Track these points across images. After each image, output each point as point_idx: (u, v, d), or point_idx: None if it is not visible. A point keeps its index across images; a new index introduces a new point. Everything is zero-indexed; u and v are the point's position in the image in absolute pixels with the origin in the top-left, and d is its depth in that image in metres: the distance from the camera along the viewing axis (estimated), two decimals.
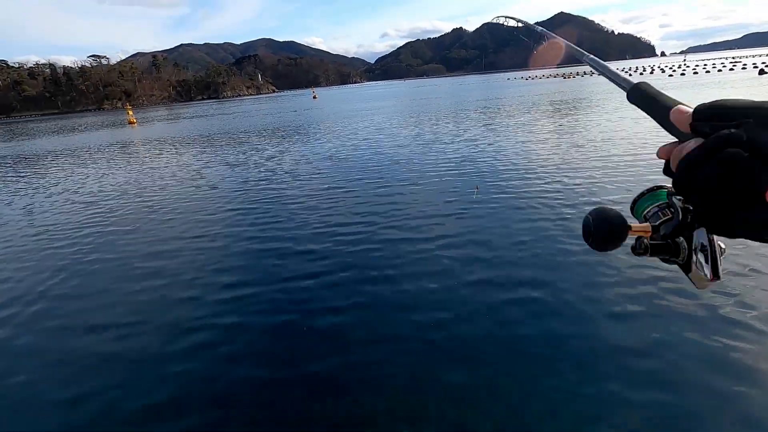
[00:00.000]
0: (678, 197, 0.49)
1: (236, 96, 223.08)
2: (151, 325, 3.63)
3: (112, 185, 10.05)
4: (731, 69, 44.20)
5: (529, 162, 8.69)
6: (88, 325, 3.70)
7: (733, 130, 0.35)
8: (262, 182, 8.97)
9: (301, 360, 2.99)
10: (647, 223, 0.51)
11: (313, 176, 9.19)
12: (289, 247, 5.12)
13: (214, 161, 12.56)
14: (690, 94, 21.57)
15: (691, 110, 0.41)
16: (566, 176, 7.28)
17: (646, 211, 0.54)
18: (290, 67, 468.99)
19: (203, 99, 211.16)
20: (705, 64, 60.68)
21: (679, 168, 0.39)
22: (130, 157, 15.37)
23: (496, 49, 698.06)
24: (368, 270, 4.30)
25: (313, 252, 4.90)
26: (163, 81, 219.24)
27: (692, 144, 0.38)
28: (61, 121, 74.20)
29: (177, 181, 9.95)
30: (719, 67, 50.22)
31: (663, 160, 0.45)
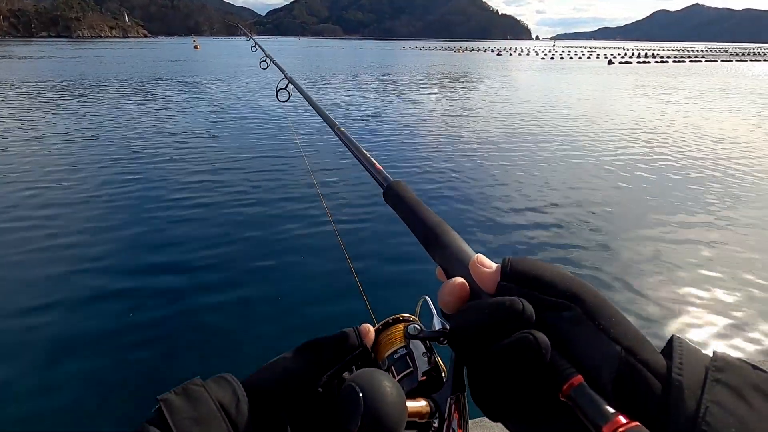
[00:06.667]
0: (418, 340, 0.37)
1: (96, 37, 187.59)
2: None
3: None
4: (588, 57, 53.13)
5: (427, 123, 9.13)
6: None
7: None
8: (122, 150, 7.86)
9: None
10: (424, 402, 0.33)
11: (186, 144, 8.36)
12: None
13: (58, 114, 10.48)
14: (558, 76, 25.08)
15: (495, 267, 0.30)
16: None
17: (391, 352, 0.39)
18: (166, 9, 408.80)
19: (50, 36, 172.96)
20: (569, 51, 71.02)
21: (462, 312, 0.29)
22: None
23: (392, 15, 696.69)
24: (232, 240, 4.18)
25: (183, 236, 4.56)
26: None
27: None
28: None
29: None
30: (579, 54, 60.09)
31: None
